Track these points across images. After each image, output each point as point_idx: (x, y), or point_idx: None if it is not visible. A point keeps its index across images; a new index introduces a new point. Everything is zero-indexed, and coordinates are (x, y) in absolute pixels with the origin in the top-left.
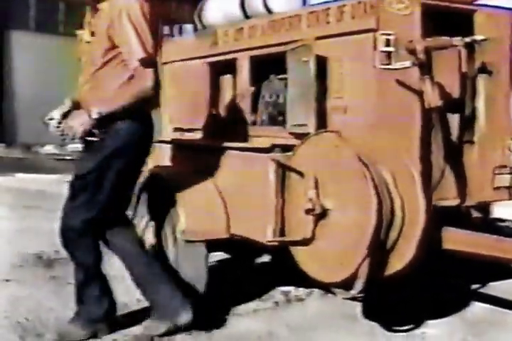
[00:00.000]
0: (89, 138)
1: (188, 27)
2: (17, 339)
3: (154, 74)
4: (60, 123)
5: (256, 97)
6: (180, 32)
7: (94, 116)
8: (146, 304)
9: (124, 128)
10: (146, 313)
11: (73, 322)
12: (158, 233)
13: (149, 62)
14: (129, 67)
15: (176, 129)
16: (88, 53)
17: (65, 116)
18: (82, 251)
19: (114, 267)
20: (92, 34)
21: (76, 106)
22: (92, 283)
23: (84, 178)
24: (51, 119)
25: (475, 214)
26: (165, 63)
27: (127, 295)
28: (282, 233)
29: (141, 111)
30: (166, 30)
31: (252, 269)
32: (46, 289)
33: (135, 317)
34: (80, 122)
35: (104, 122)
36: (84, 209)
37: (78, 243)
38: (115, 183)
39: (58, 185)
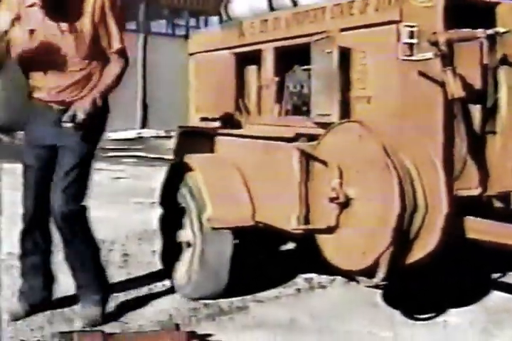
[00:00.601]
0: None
1: (214, 19)
2: (46, 324)
3: (127, 55)
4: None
5: (280, 87)
6: (206, 24)
7: (98, 102)
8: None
9: (105, 110)
10: (170, 298)
11: (94, 307)
12: (183, 220)
13: (125, 50)
14: (109, 54)
15: (202, 119)
16: (53, 51)
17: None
18: (89, 235)
19: (143, 253)
20: (72, 30)
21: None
22: (100, 267)
23: (89, 160)
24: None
25: (496, 203)
26: (191, 54)
27: (152, 280)
28: (306, 221)
29: None
30: (192, 21)
31: (275, 256)
32: None
33: (159, 303)
34: (83, 110)
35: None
36: (83, 192)
37: (81, 228)
38: None
39: None
